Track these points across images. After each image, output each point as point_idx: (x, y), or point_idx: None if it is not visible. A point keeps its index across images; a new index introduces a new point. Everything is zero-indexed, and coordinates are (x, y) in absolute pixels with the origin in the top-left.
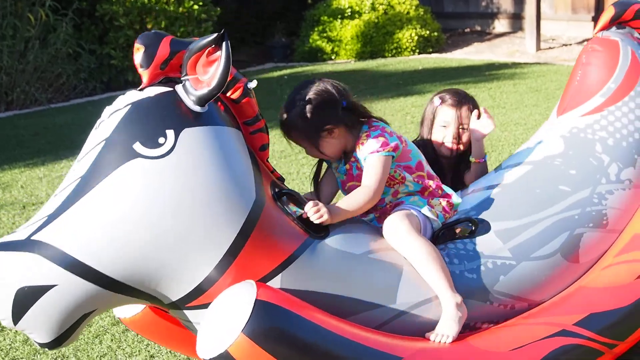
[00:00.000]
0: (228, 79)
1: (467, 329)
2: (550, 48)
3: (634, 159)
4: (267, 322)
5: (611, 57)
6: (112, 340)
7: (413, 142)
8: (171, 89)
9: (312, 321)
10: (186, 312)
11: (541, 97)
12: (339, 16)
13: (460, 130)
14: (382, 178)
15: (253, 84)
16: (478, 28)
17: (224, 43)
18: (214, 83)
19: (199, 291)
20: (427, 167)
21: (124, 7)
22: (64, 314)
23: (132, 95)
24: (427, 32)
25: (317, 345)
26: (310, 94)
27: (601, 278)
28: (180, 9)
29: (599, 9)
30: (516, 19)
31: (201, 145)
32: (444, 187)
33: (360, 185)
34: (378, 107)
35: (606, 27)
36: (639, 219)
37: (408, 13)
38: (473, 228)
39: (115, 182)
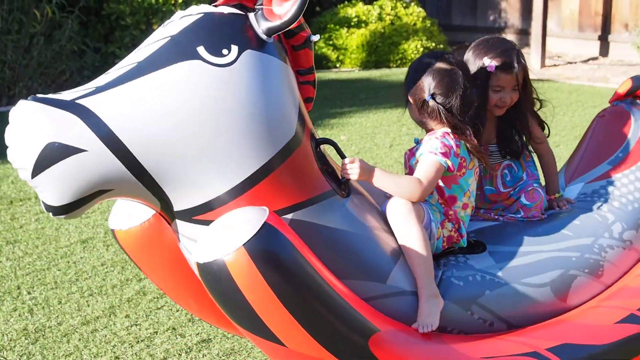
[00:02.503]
0: (299, 22)
1: (443, 332)
2: (554, 65)
3: (638, 223)
4: (269, 245)
5: (622, 127)
6: (79, 339)
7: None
8: (243, 13)
9: (310, 264)
10: (189, 225)
11: (540, 114)
12: (346, 25)
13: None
14: (433, 181)
15: (316, 37)
16: None
17: None
18: (286, 17)
19: (207, 207)
20: (458, 206)
21: (131, 7)
22: (83, 182)
23: (206, 7)
24: (433, 44)
25: (308, 287)
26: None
27: (583, 315)
28: None
29: (605, 28)
30: (523, 35)
31: (258, 69)
32: (463, 228)
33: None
34: (375, 117)
35: (621, 99)
36: (631, 275)
37: (415, 24)
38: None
39: (171, 75)
